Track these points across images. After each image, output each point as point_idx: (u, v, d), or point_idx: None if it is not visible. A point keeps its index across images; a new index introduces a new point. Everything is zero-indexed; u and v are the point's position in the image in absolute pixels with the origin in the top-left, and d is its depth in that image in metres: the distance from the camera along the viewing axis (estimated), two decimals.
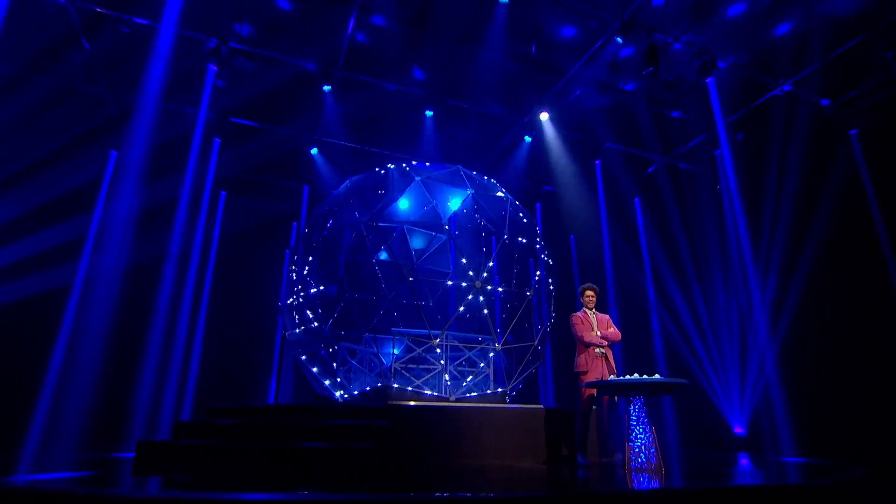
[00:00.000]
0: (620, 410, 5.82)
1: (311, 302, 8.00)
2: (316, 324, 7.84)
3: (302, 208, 10.56)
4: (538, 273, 7.99)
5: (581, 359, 5.83)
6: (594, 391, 5.65)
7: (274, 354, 8.51)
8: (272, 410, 5.94)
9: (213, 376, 9.54)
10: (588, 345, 5.81)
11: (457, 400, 7.07)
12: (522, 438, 5.89)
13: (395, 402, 5.82)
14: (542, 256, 8.32)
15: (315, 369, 7.59)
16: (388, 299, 9.24)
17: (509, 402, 7.80)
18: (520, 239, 8.47)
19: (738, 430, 9.62)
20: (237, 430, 5.58)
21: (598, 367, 5.77)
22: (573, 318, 5.99)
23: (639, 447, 5.01)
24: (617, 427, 5.81)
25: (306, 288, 7.79)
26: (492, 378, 7.76)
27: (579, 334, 5.85)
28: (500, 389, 7.61)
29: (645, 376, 5.13)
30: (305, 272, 7.84)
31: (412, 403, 5.85)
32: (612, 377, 5.29)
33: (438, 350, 7.40)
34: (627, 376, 5.13)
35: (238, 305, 10.22)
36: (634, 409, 5.12)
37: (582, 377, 5.78)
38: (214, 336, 9.85)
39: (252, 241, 10.60)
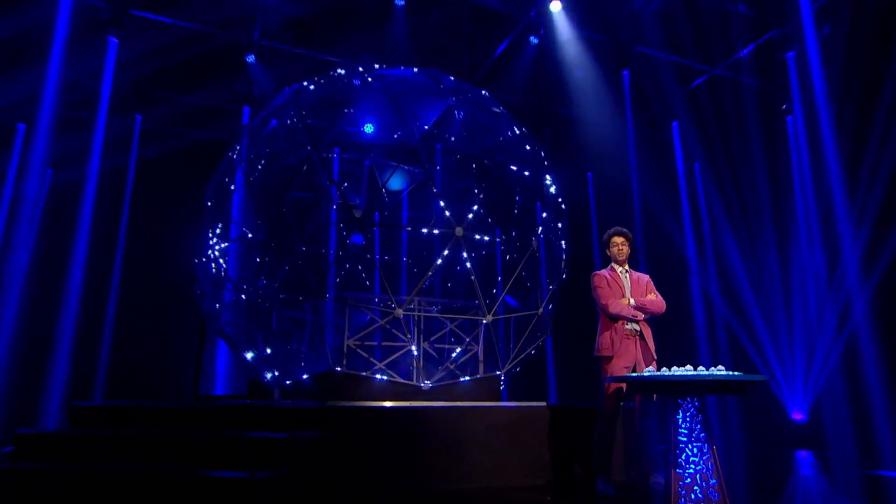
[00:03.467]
0: (652, 412, 4.49)
1: (237, 255, 6.55)
2: (253, 296, 6.43)
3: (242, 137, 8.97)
4: (543, 215, 6.50)
5: (605, 338, 4.44)
6: (623, 386, 4.27)
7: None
8: (159, 413, 4.58)
9: (130, 360, 8.11)
10: (616, 318, 4.38)
11: (432, 388, 5.77)
12: (518, 450, 4.71)
13: (332, 403, 4.45)
14: (552, 194, 6.81)
15: (242, 346, 6.21)
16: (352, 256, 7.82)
17: (503, 391, 6.50)
18: (522, 171, 6.96)
19: (797, 415, 8.73)
20: (104, 445, 4.24)
21: (629, 351, 4.40)
22: (595, 280, 4.57)
23: (691, 475, 3.67)
24: (655, 436, 4.48)
25: (232, 236, 6.31)
26: (480, 358, 6.41)
27: (603, 302, 4.44)
28: (491, 373, 6.27)
29: (700, 370, 3.74)
30: (226, 218, 6.34)
31: (360, 404, 4.47)
32: (649, 370, 3.88)
33: (407, 322, 6.01)
34: (677, 369, 3.73)
35: (161, 264, 8.72)
36: (685, 417, 3.76)
37: (606, 365, 4.40)
38: (130, 305, 8.39)
39: (179, 180, 9.02)
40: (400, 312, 5.57)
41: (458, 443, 4.52)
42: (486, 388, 6.25)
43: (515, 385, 9.10)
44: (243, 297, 6.01)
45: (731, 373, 3.69)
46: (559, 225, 6.73)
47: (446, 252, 5.95)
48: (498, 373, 6.37)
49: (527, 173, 7.01)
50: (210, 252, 6.16)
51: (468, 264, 5.73)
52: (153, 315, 8.18)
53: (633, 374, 3.90)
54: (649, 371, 3.89)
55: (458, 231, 5.66)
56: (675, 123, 9.92)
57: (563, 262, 6.90)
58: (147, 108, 9.14)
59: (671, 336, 9.15)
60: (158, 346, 7.94)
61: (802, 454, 7.45)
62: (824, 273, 7.95)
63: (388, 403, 4.48)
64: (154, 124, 9.31)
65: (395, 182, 9.04)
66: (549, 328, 6.89)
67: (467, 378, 6.16)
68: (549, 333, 6.89)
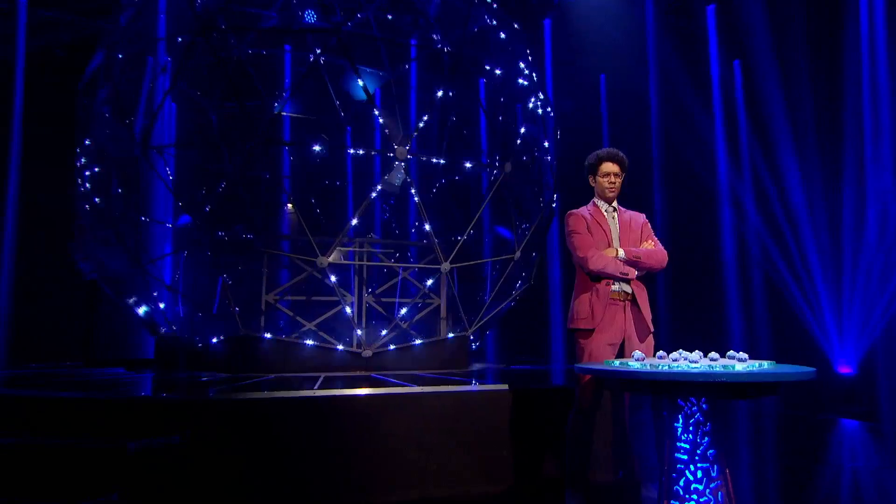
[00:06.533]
0: (647, 403, 3.65)
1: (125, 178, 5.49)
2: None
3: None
4: (522, 129, 5.39)
5: (582, 303, 3.50)
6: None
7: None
8: None
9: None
10: (597, 275, 3.41)
11: (376, 354, 4.93)
12: (469, 448, 3.89)
13: (202, 395, 3.57)
14: (539, 101, 5.67)
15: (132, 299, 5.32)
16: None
17: (473, 355, 5.66)
18: (501, 71, 5.81)
19: (845, 369, 8.11)
20: None
21: (615, 322, 3.45)
22: (570, 222, 3.59)
23: None
24: (651, 433, 3.61)
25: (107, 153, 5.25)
26: (443, 315, 5.53)
27: (581, 254, 3.47)
28: (458, 334, 5.40)
29: (713, 358, 2.87)
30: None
31: (230, 395, 3.59)
32: (637, 356, 2.93)
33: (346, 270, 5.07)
34: (680, 356, 2.82)
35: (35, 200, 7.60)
36: (687, 425, 2.91)
37: (583, 340, 3.48)
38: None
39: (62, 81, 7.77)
40: (325, 261, 4.60)
41: (388, 440, 3.73)
42: (449, 354, 5.48)
43: (506, 346, 8.35)
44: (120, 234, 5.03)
45: (754, 366, 2.74)
46: (545, 141, 5.62)
47: (389, 180, 4.93)
48: (464, 332, 5.49)
49: (499, 71, 5.85)
50: (81, 179, 5.17)
51: (414, 194, 4.68)
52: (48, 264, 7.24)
53: (613, 367, 2.92)
54: (638, 359, 2.93)
55: (401, 153, 4.57)
56: (710, 8, 8.76)
57: (552, 192, 5.87)
58: None
59: (691, 285, 8.36)
60: (56, 300, 7.06)
61: (850, 425, 6.62)
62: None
63: (280, 395, 3.59)
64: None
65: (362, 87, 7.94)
66: (532, 275, 5.94)
67: (424, 341, 5.30)
68: (531, 282, 5.93)
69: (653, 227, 3.77)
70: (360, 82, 4.83)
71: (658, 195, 7.91)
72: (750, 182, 8.51)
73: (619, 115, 9.57)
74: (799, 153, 7.92)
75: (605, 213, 3.57)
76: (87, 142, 5.19)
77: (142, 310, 5.19)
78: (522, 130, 5.47)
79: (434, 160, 5.08)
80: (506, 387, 4.05)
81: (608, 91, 9.80)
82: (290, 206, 8.50)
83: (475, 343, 5.98)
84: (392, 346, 5.18)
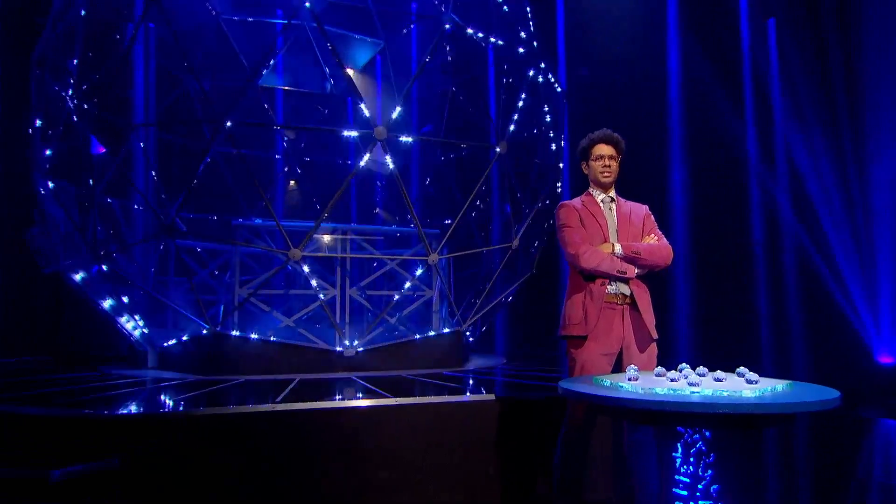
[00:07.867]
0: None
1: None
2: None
3: None
4: (521, 101, 5.02)
5: (574, 307, 3.19)
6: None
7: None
8: None
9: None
10: (590, 274, 3.10)
11: (359, 353, 4.71)
12: (450, 464, 3.65)
13: (148, 411, 3.33)
14: (539, 75, 5.28)
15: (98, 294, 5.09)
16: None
17: (474, 347, 5.39)
18: (499, 39, 5.42)
19: (886, 359, 7.78)
20: None
21: (612, 329, 3.12)
22: (561, 214, 3.30)
23: None
24: (653, 458, 3.34)
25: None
26: (435, 308, 5.24)
27: (572, 250, 3.16)
28: (448, 329, 5.12)
29: (718, 378, 2.63)
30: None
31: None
32: (630, 373, 2.62)
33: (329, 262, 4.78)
34: (682, 373, 2.57)
35: None
36: (687, 456, 2.53)
37: (575, 351, 3.17)
38: None
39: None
40: (297, 254, 4.30)
41: (360, 459, 3.49)
42: (443, 350, 5.25)
43: (512, 336, 8.01)
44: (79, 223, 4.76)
45: (766, 390, 2.42)
46: (547, 117, 5.23)
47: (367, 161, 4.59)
48: (460, 327, 5.20)
49: (504, 42, 5.45)
50: (37, 160, 4.90)
51: (397, 176, 4.34)
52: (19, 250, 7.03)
53: (601, 389, 2.59)
54: (631, 379, 2.61)
55: (380, 132, 4.23)
56: None
57: (557, 174, 5.50)
58: None
59: (719, 268, 7.97)
60: (27, 290, 6.85)
61: (893, 426, 6.25)
62: None
63: (238, 408, 3.33)
64: None
65: (359, 56, 7.62)
66: (535, 262, 5.60)
67: (413, 337, 5.01)
68: (533, 270, 5.59)
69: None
70: (337, 58, 4.49)
71: (678, 175, 7.47)
72: (783, 160, 8.06)
73: (638, 85, 9.14)
74: (832, 125, 7.48)
75: (600, 204, 3.23)
76: (38, 120, 4.90)
77: (106, 303, 4.96)
78: (522, 105, 5.09)
79: (429, 140, 4.71)
80: (492, 397, 3.77)
81: (626, 58, 9.37)
82: (292, 182, 8.24)
83: (471, 336, 5.69)
84: (378, 344, 4.91)
